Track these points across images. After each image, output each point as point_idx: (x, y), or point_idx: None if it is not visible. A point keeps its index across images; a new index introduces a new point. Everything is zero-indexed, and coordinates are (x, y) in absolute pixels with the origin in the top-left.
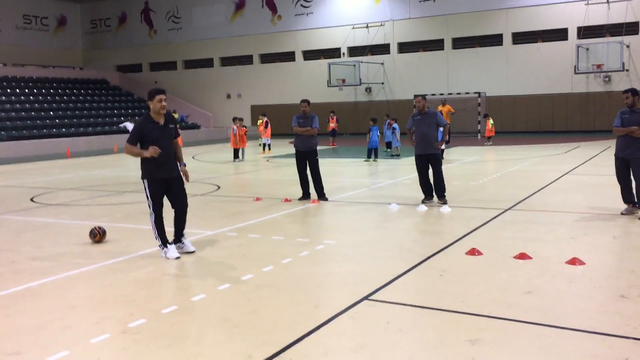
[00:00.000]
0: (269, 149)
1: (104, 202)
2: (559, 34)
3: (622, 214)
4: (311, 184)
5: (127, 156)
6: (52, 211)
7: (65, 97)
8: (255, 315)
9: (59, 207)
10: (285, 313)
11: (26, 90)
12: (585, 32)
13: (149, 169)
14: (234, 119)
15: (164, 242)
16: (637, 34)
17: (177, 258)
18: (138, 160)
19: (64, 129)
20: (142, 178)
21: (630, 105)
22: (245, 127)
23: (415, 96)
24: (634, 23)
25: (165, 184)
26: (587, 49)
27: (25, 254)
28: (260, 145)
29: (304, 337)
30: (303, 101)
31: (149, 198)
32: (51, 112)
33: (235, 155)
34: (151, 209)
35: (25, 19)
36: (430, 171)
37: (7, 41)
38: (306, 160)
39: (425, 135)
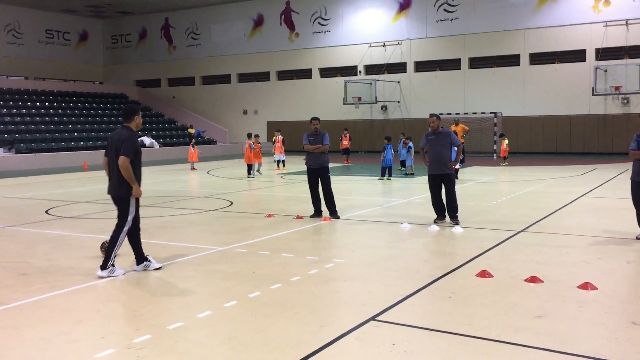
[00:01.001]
0: (284, 165)
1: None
2: (577, 55)
3: (637, 238)
4: (323, 201)
5: (143, 170)
6: (66, 224)
7: (84, 111)
8: (261, 334)
9: (73, 220)
10: (291, 332)
11: (47, 104)
12: (604, 53)
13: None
14: (249, 135)
15: (113, 262)
16: None
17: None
18: (153, 174)
19: (82, 142)
20: (129, 196)
21: None
22: (260, 144)
23: (431, 115)
24: None
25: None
26: (606, 71)
27: (37, 266)
28: (274, 161)
29: (309, 357)
30: (313, 119)
31: (131, 216)
32: (70, 126)
33: (249, 171)
34: (128, 226)
35: (47, 34)
36: (443, 191)
37: (30, 55)
38: (318, 178)
39: (439, 155)
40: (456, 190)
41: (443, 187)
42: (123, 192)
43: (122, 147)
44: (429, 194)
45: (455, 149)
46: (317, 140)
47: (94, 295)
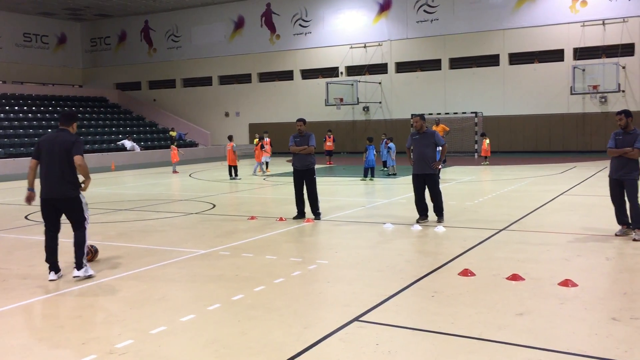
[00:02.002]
0: (267, 167)
1: (99, 220)
2: (556, 55)
3: (616, 235)
4: (307, 202)
5: (124, 174)
6: None
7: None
8: (245, 336)
9: None
10: (275, 334)
11: (25, 108)
12: (582, 53)
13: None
14: (230, 137)
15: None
16: (632, 55)
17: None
18: (135, 177)
19: None
20: (79, 194)
21: (624, 126)
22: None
23: (413, 115)
24: (630, 44)
25: None
26: (583, 70)
27: (16, 272)
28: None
29: (292, 358)
30: (299, 120)
31: (87, 212)
32: (49, 130)
33: (230, 173)
34: (88, 221)
35: (25, 37)
36: (428, 191)
37: (7, 59)
38: (303, 179)
39: (423, 155)
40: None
41: (427, 187)
42: (70, 192)
43: (74, 147)
44: (412, 193)
45: (440, 148)
46: (303, 141)
47: (75, 301)
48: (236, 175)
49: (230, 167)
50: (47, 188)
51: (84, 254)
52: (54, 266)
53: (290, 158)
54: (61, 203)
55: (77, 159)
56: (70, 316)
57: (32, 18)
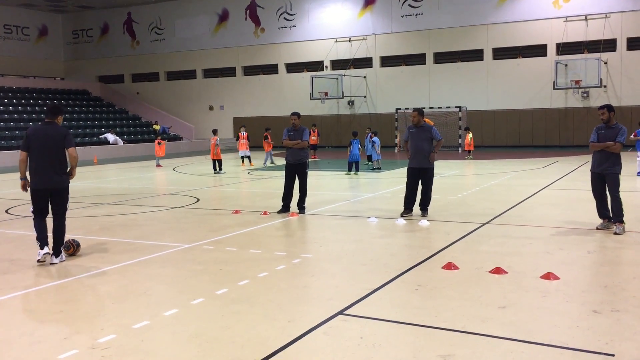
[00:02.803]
0: (250, 161)
1: (81, 214)
2: (539, 50)
3: (597, 228)
4: (294, 196)
5: (107, 168)
6: (27, 223)
7: (45, 108)
8: (228, 331)
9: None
10: (259, 328)
11: (6, 101)
12: (564, 48)
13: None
14: (214, 131)
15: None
16: (614, 50)
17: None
18: (118, 171)
19: None
20: (68, 185)
21: (606, 121)
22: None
23: (413, 110)
24: (612, 40)
25: None
26: (566, 65)
27: None
28: (240, 157)
29: (276, 352)
30: (293, 114)
31: (68, 202)
32: (30, 123)
33: (215, 167)
34: (67, 210)
35: (5, 29)
36: (420, 185)
37: None
38: (295, 173)
39: (421, 149)
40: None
41: (420, 181)
42: (62, 182)
43: (66, 140)
44: (396, 187)
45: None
46: (296, 135)
47: (56, 296)
48: (220, 169)
49: (214, 161)
50: (38, 179)
51: (62, 243)
52: (45, 242)
53: (275, 152)
54: (53, 192)
55: (71, 150)
56: (52, 311)
57: (13, 9)
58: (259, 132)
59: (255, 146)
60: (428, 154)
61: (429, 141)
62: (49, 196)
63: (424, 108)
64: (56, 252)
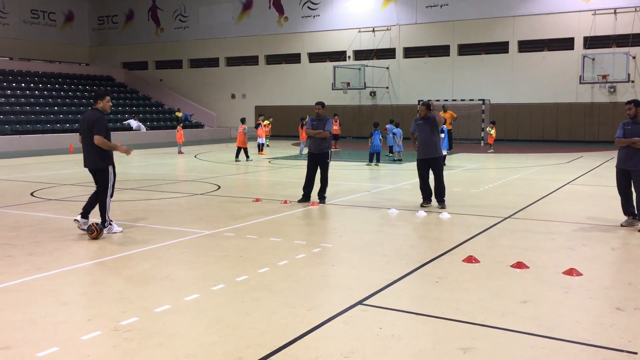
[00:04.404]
0: (261, 149)
1: None
2: (565, 43)
3: (621, 225)
4: (315, 186)
5: (131, 153)
6: (52, 206)
7: (70, 93)
8: (248, 317)
9: (58, 203)
10: (278, 315)
11: (32, 85)
12: (592, 42)
13: (111, 157)
14: (243, 120)
15: (109, 221)
16: None
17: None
18: (140, 157)
19: (67, 125)
20: (108, 165)
21: (633, 116)
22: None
23: (422, 104)
24: None
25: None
26: (593, 59)
27: (22, 249)
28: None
29: (296, 340)
30: (317, 103)
31: (111, 182)
32: (56, 108)
33: (237, 155)
34: (111, 191)
35: (33, 14)
36: (432, 176)
37: (14, 35)
38: (317, 163)
39: (428, 140)
40: (444, 176)
41: (431, 171)
42: (100, 164)
43: (94, 127)
44: (415, 180)
45: (442, 135)
46: (319, 125)
47: (79, 278)
48: (247, 157)
49: (239, 148)
50: (83, 160)
51: (103, 215)
52: (84, 214)
53: (296, 141)
54: (92, 172)
55: (96, 139)
56: (75, 293)
57: None
58: (281, 122)
59: (275, 135)
60: (435, 144)
61: (436, 132)
62: (92, 175)
63: (447, 100)
64: (102, 221)
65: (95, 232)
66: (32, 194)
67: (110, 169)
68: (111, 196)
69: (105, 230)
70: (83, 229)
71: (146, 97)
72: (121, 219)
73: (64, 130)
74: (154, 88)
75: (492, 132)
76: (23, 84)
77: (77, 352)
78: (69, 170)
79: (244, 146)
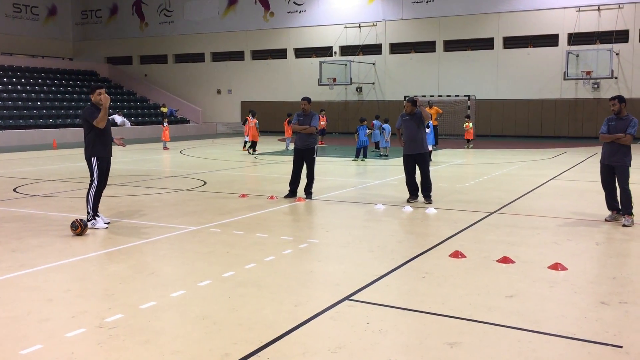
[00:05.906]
0: (244, 146)
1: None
2: (550, 40)
3: (606, 220)
4: (302, 181)
5: (114, 149)
6: (35, 202)
7: (53, 88)
8: (235, 313)
9: (41, 199)
10: (265, 311)
11: (14, 80)
12: (576, 38)
13: (98, 148)
14: (253, 113)
15: (96, 214)
16: (627, 42)
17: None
18: (125, 152)
19: (51, 120)
20: (91, 156)
21: (617, 112)
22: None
23: (407, 100)
24: (624, 31)
25: (107, 162)
26: (577, 56)
27: (5, 245)
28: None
29: (283, 336)
30: (304, 99)
31: (95, 174)
32: (39, 103)
33: (253, 147)
34: (95, 183)
35: (15, 8)
36: (418, 171)
37: None
38: (303, 158)
39: (414, 136)
40: (430, 172)
41: (417, 167)
42: (86, 156)
43: (86, 117)
44: (402, 175)
45: (427, 130)
46: (305, 120)
47: (64, 274)
48: (254, 151)
49: (254, 142)
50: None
51: (90, 209)
52: (95, 213)
53: (281, 137)
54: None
55: (95, 122)
56: (59, 289)
57: None
58: (267, 117)
59: (260, 130)
60: (421, 140)
61: (422, 127)
62: None
63: (433, 96)
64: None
65: (79, 228)
66: (15, 190)
67: (94, 160)
68: (101, 190)
69: (89, 224)
70: (107, 223)
71: (131, 92)
72: (105, 215)
73: (47, 126)
74: (139, 83)
75: (468, 126)
76: (5, 79)
77: (62, 349)
78: (52, 166)
79: (254, 139)
